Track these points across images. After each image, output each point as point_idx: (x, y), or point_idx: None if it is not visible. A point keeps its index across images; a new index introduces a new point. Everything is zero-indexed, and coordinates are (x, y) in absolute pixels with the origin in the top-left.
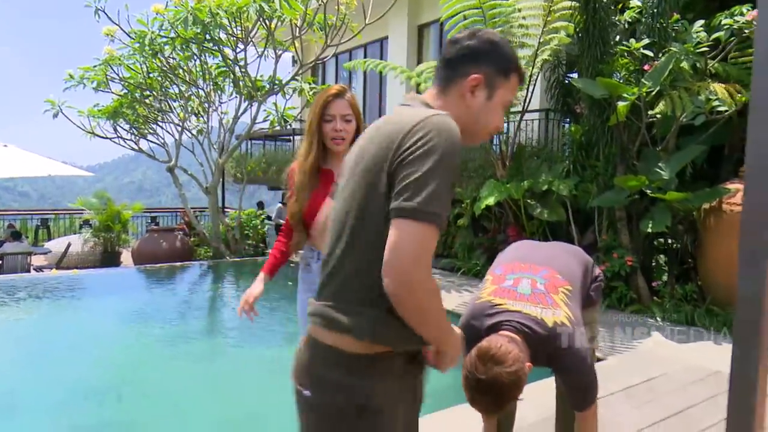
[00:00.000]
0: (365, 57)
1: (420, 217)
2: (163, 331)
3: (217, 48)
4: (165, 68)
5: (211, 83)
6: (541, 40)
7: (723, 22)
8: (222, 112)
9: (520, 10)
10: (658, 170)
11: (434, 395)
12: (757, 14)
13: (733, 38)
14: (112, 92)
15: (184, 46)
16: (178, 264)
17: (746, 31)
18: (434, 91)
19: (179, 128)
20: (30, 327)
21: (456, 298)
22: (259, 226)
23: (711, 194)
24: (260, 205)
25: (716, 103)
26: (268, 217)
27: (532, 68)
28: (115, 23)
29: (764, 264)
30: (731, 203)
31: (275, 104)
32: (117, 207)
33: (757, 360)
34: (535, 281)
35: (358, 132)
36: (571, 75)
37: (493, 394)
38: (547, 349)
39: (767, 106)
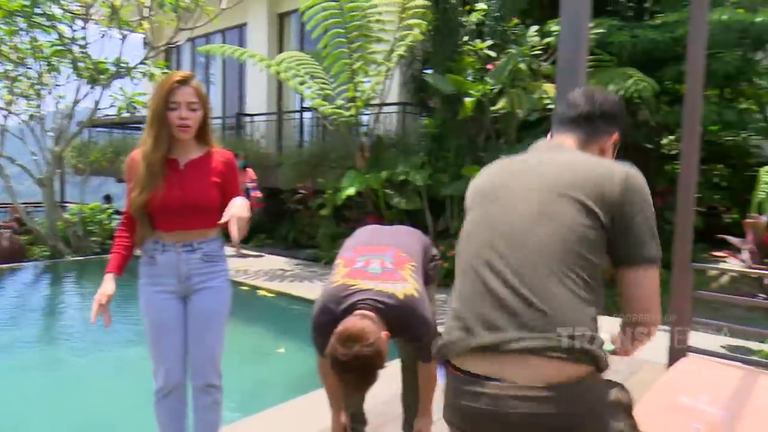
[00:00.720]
0: (224, 43)
1: (658, 263)
2: None
3: (50, 24)
4: None
5: (45, 63)
6: (397, 36)
7: (552, 29)
8: (58, 96)
9: (376, 6)
10: None
11: (292, 383)
12: None
13: None
14: None
15: (7, 19)
16: (6, 266)
17: None
18: (574, 141)
19: (5, 112)
20: None
21: (318, 288)
22: (106, 222)
23: None
24: (107, 198)
25: (547, 101)
26: (117, 212)
27: (389, 63)
28: None
29: None
30: None
31: (122, 89)
32: None
33: None
34: (383, 260)
35: (206, 121)
36: (425, 70)
37: (360, 370)
38: (400, 319)
39: None
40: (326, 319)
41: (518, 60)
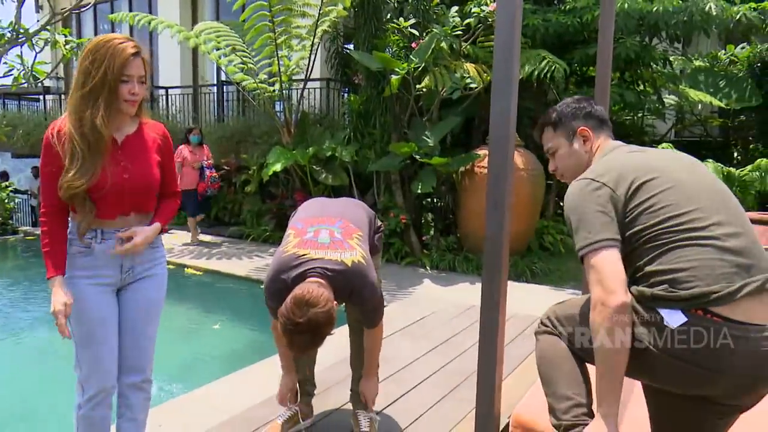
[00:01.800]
0: (131, 9)
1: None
2: None
3: None
4: None
5: None
6: (321, 11)
7: (472, 10)
8: None
9: None
10: (425, 138)
11: (229, 357)
12: (494, 6)
13: (480, 25)
14: None
15: None
16: None
17: (490, 19)
18: None
19: None
20: None
21: (247, 264)
22: (6, 200)
23: (466, 159)
24: (4, 175)
25: (468, 80)
26: (16, 190)
27: (313, 38)
28: None
29: (503, 208)
30: (480, 166)
31: (20, 57)
32: None
33: (500, 283)
34: (332, 231)
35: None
36: (348, 46)
37: (312, 333)
38: (349, 284)
39: (503, 86)
40: (278, 287)
41: (440, 39)
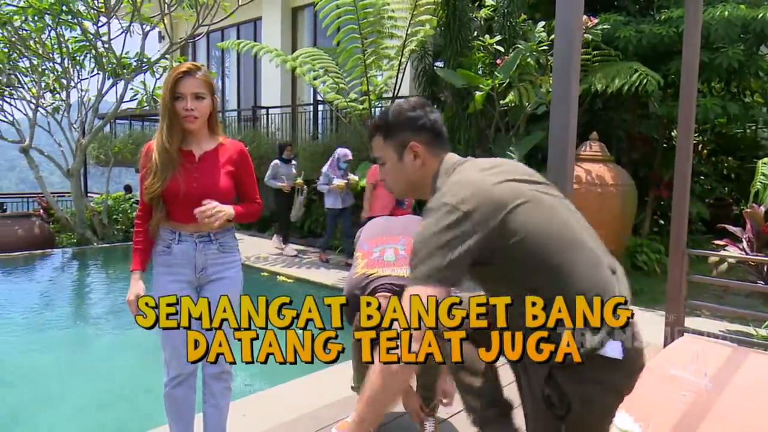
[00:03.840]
0: (238, 36)
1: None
2: (26, 320)
3: (75, 20)
4: (14, 39)
5: (69, 58)
6: (409, 32)
7: None
8: (82, 89)
9: (388, 3)
10: (510, 153)
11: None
12: (586, 19)
13: None
14: None
15: (36, 17)
16: (38, 252)
17: None
18: None
19: (33, 105)
20: None
21: (334, 274)
22: (129, 211)
23: (546, 174)
24: (128, 188)
25: None
26: (137, 202)
27: (401, 57)
28: None
29: None
30: None
31: (143, 83)
32: None
33: None
34: (396, 249)
35: (213, 110)
36: (437, 64)
37: None
38: None
39: (563, 103)
40: (354, 303)
41: (526, 55)
